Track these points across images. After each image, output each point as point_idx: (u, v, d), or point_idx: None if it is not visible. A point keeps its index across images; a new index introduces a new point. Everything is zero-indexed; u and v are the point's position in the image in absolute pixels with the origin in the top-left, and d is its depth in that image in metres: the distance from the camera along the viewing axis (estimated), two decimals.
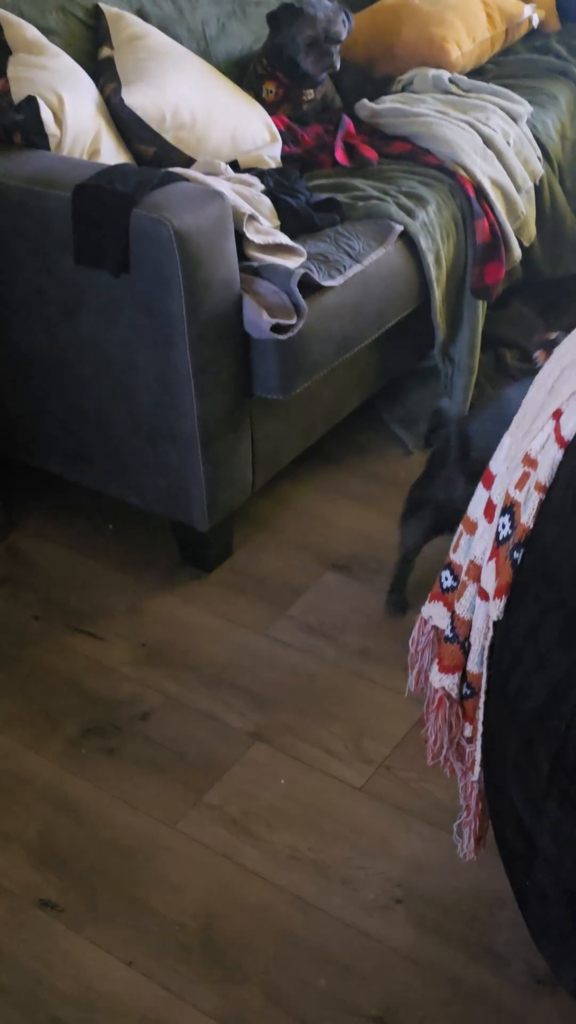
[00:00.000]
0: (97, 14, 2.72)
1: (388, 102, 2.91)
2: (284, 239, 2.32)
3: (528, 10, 3.26)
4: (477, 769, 1.59)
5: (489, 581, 1.48)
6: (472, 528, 1.62)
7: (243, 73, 3.05)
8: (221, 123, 2.63)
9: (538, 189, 2.95)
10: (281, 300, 2.21)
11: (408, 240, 2.51)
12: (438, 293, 2.59)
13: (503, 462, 1.59)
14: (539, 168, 2.90)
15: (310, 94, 2.96)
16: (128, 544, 2.56)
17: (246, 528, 2.57)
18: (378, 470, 2.78)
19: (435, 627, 1.69)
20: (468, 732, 1.64)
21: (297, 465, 2.63)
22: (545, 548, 1.37)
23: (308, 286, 2.27)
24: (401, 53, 3.10)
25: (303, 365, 2.28)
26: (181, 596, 2.42)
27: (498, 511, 1.50)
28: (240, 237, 2.27)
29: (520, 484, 1.46)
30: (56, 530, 2.60)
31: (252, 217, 2.30)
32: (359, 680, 2.20)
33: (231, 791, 1.99)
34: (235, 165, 2.64)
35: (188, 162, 2.56)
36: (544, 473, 1.39)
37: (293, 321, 2.17)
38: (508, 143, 2.82)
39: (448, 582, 1.68)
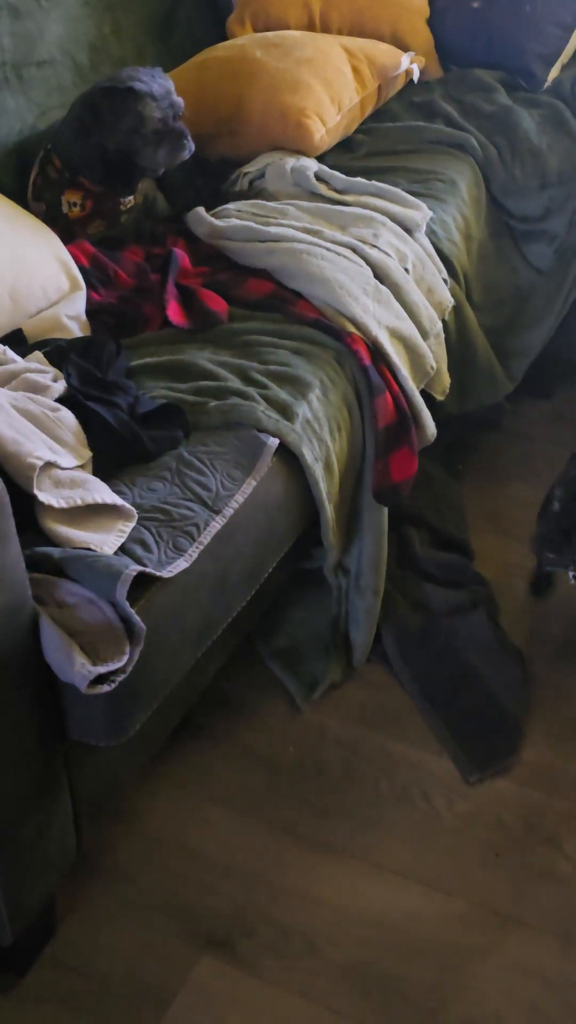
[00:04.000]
0: None
1: (234, 212, 2.08)
2: (100, 494, 1.48)
3: (406, 60, 2.45)
4: None
5: None
6: None
7: (23, 167, 2.17)
8: None
9: None
10: (102, 614, 1.37)
11: (285, 448, 1.70)
12: (330, 510, 1.79)
13: None
14: (448, 298, 2.11)
15: (129, 201, 2.11)
16: None
17: (77, 875, 1.74)
18: (256, 745, 1.97)
19: None
20: None
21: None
22: None
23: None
24: (243, 130, 2.27)
25: (144, 692, 1.47)
26: None
27: None
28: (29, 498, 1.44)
29: None
30: None
31: (49, 465, 1.46)
32: None
33: None
34: (18, 338, 1.78)
35: None
36: None
37: (122, 660, 1.34)
38: (407, 269, 2.02)
39: None
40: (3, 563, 1.28)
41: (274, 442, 1.64)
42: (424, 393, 2.06)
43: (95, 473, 1.55)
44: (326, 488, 1.75)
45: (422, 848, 1.79)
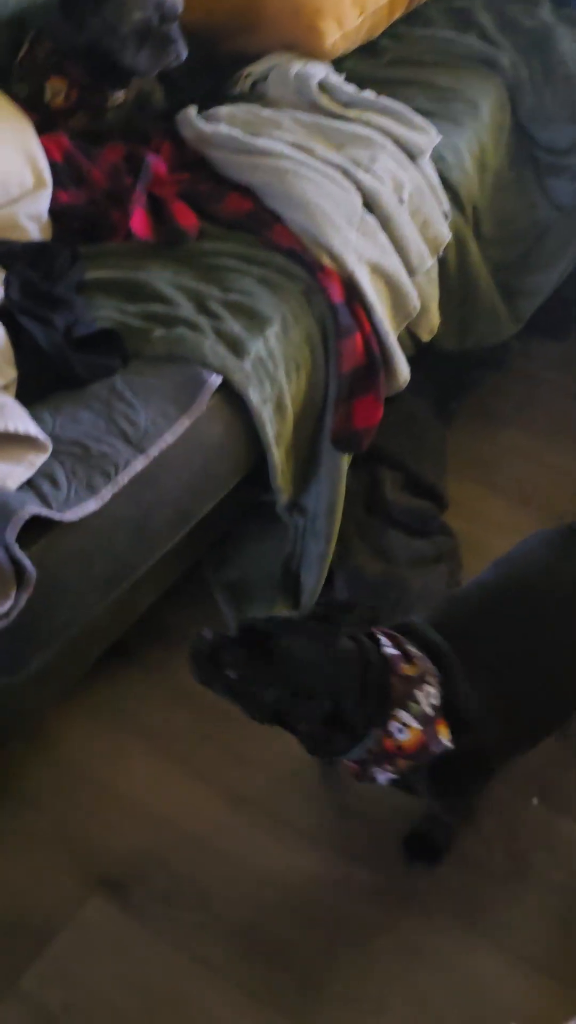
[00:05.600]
0: None
1: (225, 117, 1.93)
2: (14, 422, 1.39)
3: None
4: None
5: None
6: None
7: (17, 42, 2.03)
8: None
9: None
10: None
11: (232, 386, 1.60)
12: (278, 454, 1.69)
13: None
14: (444, 232, 1.97)
15: (119, 97, 1.97)
16: None
17: None
18: (187, 681, 1.87)
19: None
20: None
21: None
22: None
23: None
24: (256, 26, 2.10)
25: (41, 634, 1.40)
26: None
27: None
28: None
29: None
30: None
31: None
32: None
33: None
34: None
35: None
36: None
37: (6, 606, 1.27)
38: (401, 200, 1.88)
39: None
40: None
41: (216, 380, 1.54)
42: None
43: (18, 394, 1.46)
44: (275, 431, 1.65)
45: (335, 811, 1.74)
